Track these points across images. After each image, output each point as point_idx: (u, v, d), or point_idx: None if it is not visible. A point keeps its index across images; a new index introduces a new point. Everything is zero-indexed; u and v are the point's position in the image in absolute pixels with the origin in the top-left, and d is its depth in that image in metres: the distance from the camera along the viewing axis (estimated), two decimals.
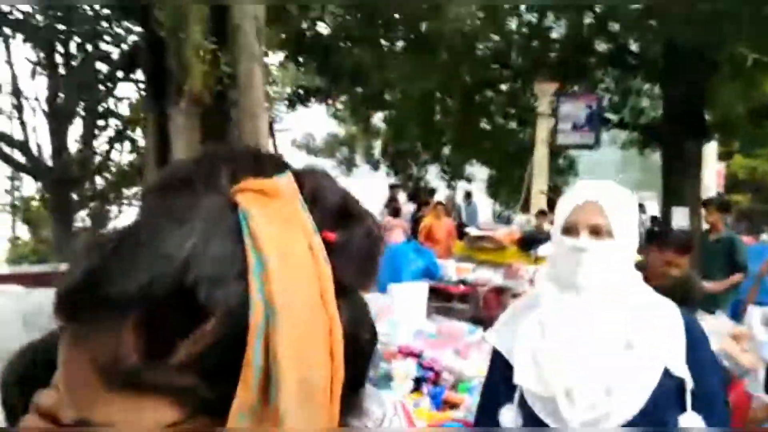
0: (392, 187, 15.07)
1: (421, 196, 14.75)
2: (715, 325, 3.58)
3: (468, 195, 15.66)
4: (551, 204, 12.31)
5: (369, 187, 17.43)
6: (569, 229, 1.57)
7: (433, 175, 18.16)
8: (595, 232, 1.53)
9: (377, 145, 17.71)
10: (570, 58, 14.09)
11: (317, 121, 17.78)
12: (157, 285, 0.43)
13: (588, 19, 15.11)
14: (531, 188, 11.98)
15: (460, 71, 15.23)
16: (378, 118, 17.04)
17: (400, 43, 14.47)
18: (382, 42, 13.57)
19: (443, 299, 6.84)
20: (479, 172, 18.36)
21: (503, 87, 16.98)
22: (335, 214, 0.49)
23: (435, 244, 8.91)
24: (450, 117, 16.43)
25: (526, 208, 12.44)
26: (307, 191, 0.48)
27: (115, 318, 0.44)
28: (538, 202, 11.77)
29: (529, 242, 8.88)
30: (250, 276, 0.44)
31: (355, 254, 0.50)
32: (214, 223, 0.45)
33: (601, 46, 15.57)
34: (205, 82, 6.40)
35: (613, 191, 1.59)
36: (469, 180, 17.82)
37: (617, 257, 1.54)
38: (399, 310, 4.35)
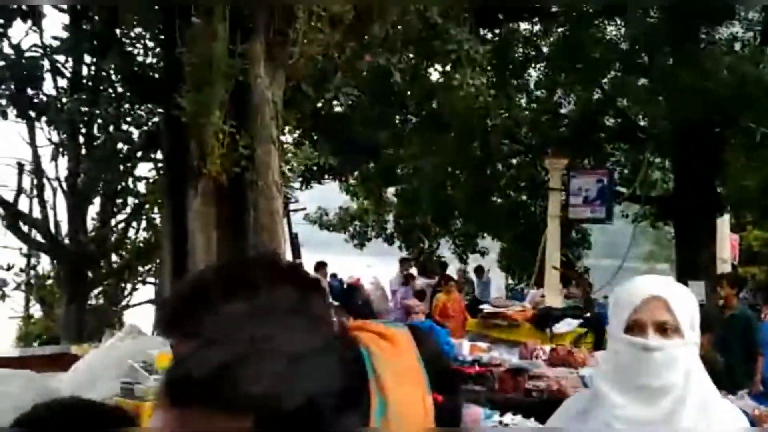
0: (403, 261, 15.08)
1: (434, 269, 14.75)
2: (739, 407, 3.51)
3: (480, 269, 15.62)
4: (564, 278, 12.26)
5: (383, 260, 17.46)
6: (633, 327, 1.52)
7: (445, 249, 18.17)
8: (662, 329, 1.51)
9: (390, 219, 17.82)
10: (580, 134, 14.31)
11: (329, 195, 17.99)
12: (287, 398, 0.44)
13: (596, 95, 15.43)
14: (544, 262, 11.94)
15: (471, 146, 15.49)
16: (390, 192, 17.22)
17: (412, 120, 14.82)
18: (395, 119, 13.89)
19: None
20: (492, 245, 18.35)
21: (514, 161, 17.21)
22: (443, 377, 0.52)
23: (448, 321, 8.87)
24: (461, 191, 16.58)
25: (539, 283, 12.38)
26: (423, 348, 0.51)
27: (236, 416, 0.45)
28: (551, 276, 11.71)
29: (545, 319, 8.81)
30: (372, 415, 0.47)
31: (454, 421, 0.52)
32: (336, 352, 0.48)
33: (610, 121, 15.85)
34: (223, 164, 6.53)
35: (675, 286, 1.57)
36: (482, 253, 17.80)
37: (685, 355, 1.51)
38: None
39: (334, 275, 13.95)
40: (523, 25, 15.74)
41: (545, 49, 15.61)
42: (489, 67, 12.55)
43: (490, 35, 14.94)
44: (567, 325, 8.73)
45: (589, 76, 14.24)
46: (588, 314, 9.28)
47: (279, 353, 0.47)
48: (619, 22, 14.23)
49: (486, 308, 9.75)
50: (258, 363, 0.47)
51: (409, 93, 13.22)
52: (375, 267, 16.22)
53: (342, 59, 8.60)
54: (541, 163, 14.92)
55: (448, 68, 12.43)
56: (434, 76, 13.58)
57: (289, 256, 7.08)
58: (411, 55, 12.16)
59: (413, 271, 14.27)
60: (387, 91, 12.32)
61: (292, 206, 8.43)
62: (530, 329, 8.86)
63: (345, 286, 13.31)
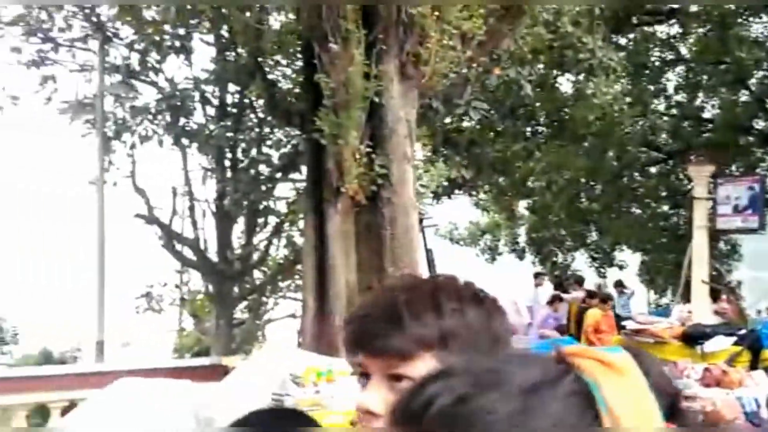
0: (537, 276, 14.76)
1: (571, 284, 14.31)
2: None
3: (620, 283, 14.97)
4: (714, 293, 11.49)
5: (514, 275, 17.18)
6: None
7: (580, 263, 17.60)
8: None
9: (521, 233, 17.53)
10: (726, 138, 13.45)
11: (459, 210, 17.98)
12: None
13: (743, 97, 14.45)
14: (690, 276, 11.25)
15: (605, 156, 14.97)
16: (522, 206, 16.95)
17: (542, 131, 14.54)
18: (525, 132, 13.70)
19: None
20: (630, 258, 17.57)
21: (653, 170, 16.43)
22: (672, 405, 0.52)
23: (600, 339, 8.59)
24: (597, 202, 16.02)
25: (686, 298, 11.68)
26: (650, 375, 0.51)
27: None
28: (699, 291, 11.01)
29: (695, 337, 8.30)
30: None
31: None
32: (565, 384, 0.48)
33: (760, 124, 14.77)
34: (361, 183, 6.73)
35: None
36: (620, 267, 17.08)
37: None
38: None
39: None
40: (659, 28, 15.09)
41: (684, 51, 14.84)
42: (623, 74, 12.12)
43: (623, 41, 14.44)
44: (719, 343, 8.16)
45: (735, 77, 13.37)
46: (742, 331, 8.64)
47: (511, 384, 0.49)
48: (766, 18, 13.29)
49: (629, 324, 9.32)
50: (496, 394, 0.48)
51: (539, 104, 13.01)
52: (507, 282, 15.99)
53: (472, 74, 8.63)
54: (683, 171, 14.13)
55: (580, 77, 12.15)
56: (565, 86, 13.31)
57: (425, 272, 7.16)
58: (540, 66, 11.98)
59: (547, 284, 13.91)
60: (517, 104, 12.20)
61: (425, 222, 8.52)
62: (679, 347, 8.36)
63: None
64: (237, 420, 1.22)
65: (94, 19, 9.98)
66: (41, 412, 7.16)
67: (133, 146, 10.53)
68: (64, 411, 6.33)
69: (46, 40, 9.94)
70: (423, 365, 0.98)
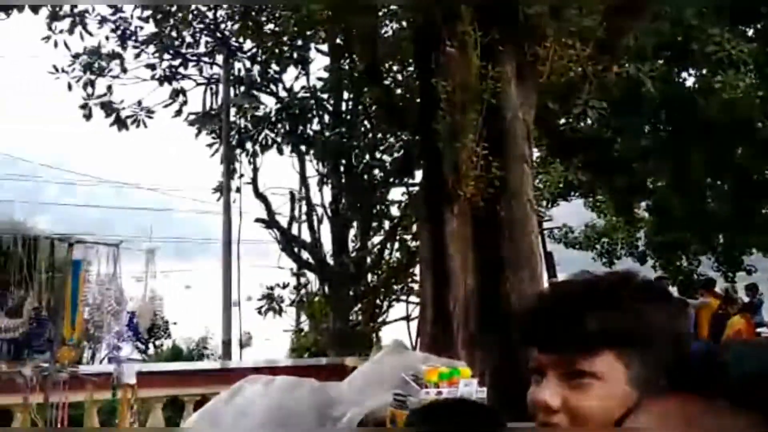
0: (659, 280, 14.13)
1: (697, 289, 13.61)
2: None
3: (753, 287, 14.06)
4: None
5: None
6: None
7: (706, 267, 16.66)
8: None
9: (641, 236, 16.82)
10: None
11: (573, 213, 17.48)
12: None
13: None
14: None
15: (733, 153, 14.11)
16: (641, 207, 16.26)
17: (663, 129, 13.90)
18: (645, 130, 13.16)
19: None
20: (760, 261, 16.46)
21: None
22: None
23: None
24: (724, 203, 15.11)
25: None
26: None
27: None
28: None
29: None
30: None
31: None
32: None
33: None
34: (478, 186, 6.70)
35: None
36: (748, 271, 16.03)
37: None
38: None
39: None
40: None
41: None
42: (752, 66, 11.39)
43: (750, 31, 13.58)
44: None
45: None
46: None
47: None
48: None
49: (764, 331, 8.77)
50: None
51: (659, 101, 12.46)
52: None
53: (589, 72, 8.38)
54: None
55: (704, 71, 11.54)
56: (689, 81, 12.69)
57: (544, 274, 7.03)
58: (661, 61, 11.48)
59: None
60: (636, 101, 11.73)
61: (545, 224, 8.36)
62: None
63: None
64: (419, 409, 1.26)
65: (219, 34, 10.53)
66: (175, 406, 7.62)
67: (254, 154, 11.02)
68: (197, 405, 6.68)
69: (176, 56, 10.60)
70: (604, 361, 0.98)
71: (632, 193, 14.92)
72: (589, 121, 11.41)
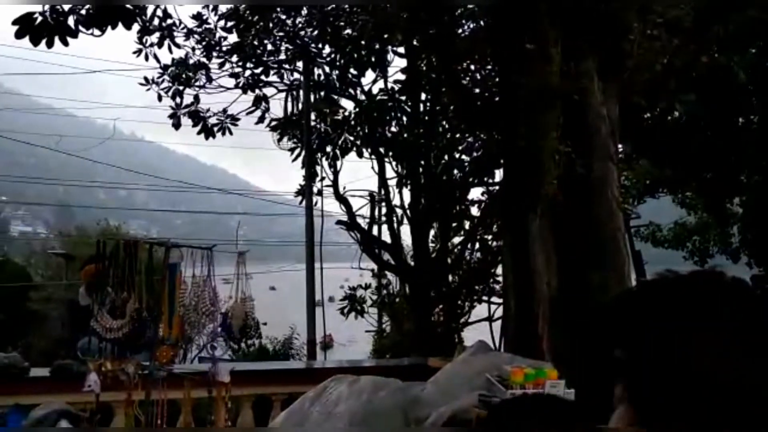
0: (756, 279, 13.46)
1: None
2: None
3: None
4: None
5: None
6: None
7: None
8: None
9: (735, 233, 16.06)
10: None
11: (661, 210, 16.88)
12: None
13: None
14: None
15: None
16: (735, 203, 15.53)
17: (756, 120, 13.25)
18: (737, 122, 12.59)
19: None
20: None
21: None
22: None
23: None
24: None
25: None
26: None
27: None
28: None
29: None
30: None
31: None
32: None
33: None
34: (561, 185, 6.59)
35: None
36: None
37: None
38: None
39: None
40: None
41: None
42: None
43: None
44: None
45: None
46: None
47: None
48: None
49: None
50: None
51: (752, 92, 11.88)
52: None
53: (677, 64, 8.10)
54: None
55: None
56: None
57: (632, 276, 6.84)
58: (754, 50, 10.94)
59: None
60: (727, 93, 11.23)
61: (633, 222, 8.11)
62: None
63: None
64: (502, 403, 1.27)
65: (299, 41, 10.77)
66: (264, 404, 7.83)
67: (334, 157, 11.20)
68: (283, 404, 6.85)
69: (258, 64, 10.91)
70: None
71: (724, 189, 14.27)
72: (676, 115, 11.03)
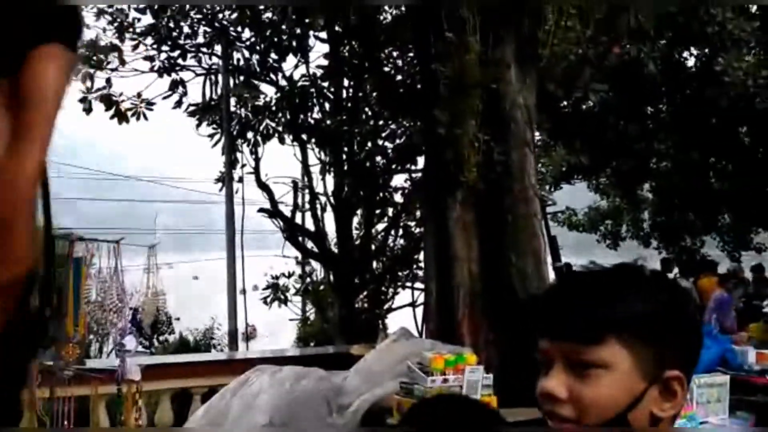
0: (665, 261, 14.10)
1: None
2: None
3: (759, 267, 14.04)
4: None
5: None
6: None
7: (711, 247, 16.64)
8: None
9: (645, 218, 16.78)
10: None
11: (577, 195, 17.44)
12: None
13: None
14: None
15: (737, 132, 14.05)
16: (645, 189, 16.22)
17: (665, 110, 13.83)
18: (647, 111, 13.10)
19: (743, 392, 6.14)
20: None
21: None
22: None
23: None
24: (728, 182, 15.07)
25: None
26: None
27: None
28: None
29: None
30: None
31: None
32: None
33: None
34: (480, 172, 6.68)
35: None
36: (758, 250, 16.01)
37: None
38: (698, 407, 4.02)
39: None
40: None
41: None
42: (755, 45, 11.31)
43: (754, 8, 13.46)
44: None
45: None
46: None
47: None
48: None
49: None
50: None
51: (661, 82, 12.39)
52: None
53: (591, 54, 8.33)
54: None
55: (706, 51, 11.46)
56: (690, 61, 12.60)
57: (548, 258, 7.02)
58: (663, 42, 11.39)
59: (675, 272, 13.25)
60: (638, 83, 11.67)
61: (550, 208, 8.33)
62: None
63: None
64: (415, 405, 1.26)
65: (217, 24, 10.48)
66: (184, 398, 7.64)
67: (255, 144, 10.99)
68: (204, 397, 6.70)
69: (174, 47, 10.55)
70: (610, 351, 0.98)
71: (635, 175, 14.88)
72: (590, 104, 11.37)
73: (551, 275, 7.04)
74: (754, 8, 13.23)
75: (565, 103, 10.86)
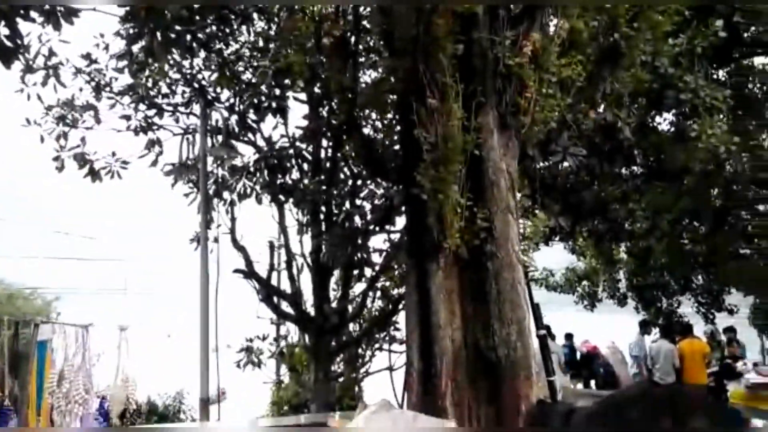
0: (643, 324, 14.07)
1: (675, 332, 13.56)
2: None
3: (732, 329, 14.08)
4: None
5: (615, 323, 16.42)
6: None
7: (686, 307, 16.70)
8: None
9: (622, 278, 16.84)
10: None
11: (554, 256, 17.46)
12: None
13: None
14: None
15: (709, 196, 14.25)
16: (621, 250, 16.32)
17: (639, 173, 14.01)
18: (623, 174, 13.24)
19: None
20: (742, 302, 16.55)
21: (761, 208, 15.51)
22: None
23: None
24: (702, 244, 15.23)
25: None
26: None
27: None
28: None
29: None
30: None
31: None
32: None
33: None
34: (463, 237, 6.60)
35: None
36: (730, 311, 16.09)
37: None
38: None
39: (569, 335, 13.50)
40: (758, 60, 14.42)
41: None
42: (727, 112, 11.57)
43: (722, 74, 13.86)
44: None
45: None
46: None
47: None
48: None
49: (751, 378, 8.69)
50: None
51: (636, 147, 12.58)
52: (607, 330, 15.33)
53: (569, 119, 8.41)
54: None
55: (680, 118, 11.68)
56: (664, 126, 12.83)
57: (532, 326, 6.89)
58: (637, 107, 11.59)
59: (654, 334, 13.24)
60: (613, 147, 11.81)
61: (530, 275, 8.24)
62: None
63: (580, 354, 12.77)
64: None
65: (196, 84, 10.43)
66: None
67: (232, 204, 10.84)
68: None
69: (151, 106, 10.46)
70: None
71: (611, 236, 14.96)
72: (567, 166, 11.44)
73: (535, 344, 6.90)
74: (723, 77, 13.64)
75: (543, 164, 10.93)
